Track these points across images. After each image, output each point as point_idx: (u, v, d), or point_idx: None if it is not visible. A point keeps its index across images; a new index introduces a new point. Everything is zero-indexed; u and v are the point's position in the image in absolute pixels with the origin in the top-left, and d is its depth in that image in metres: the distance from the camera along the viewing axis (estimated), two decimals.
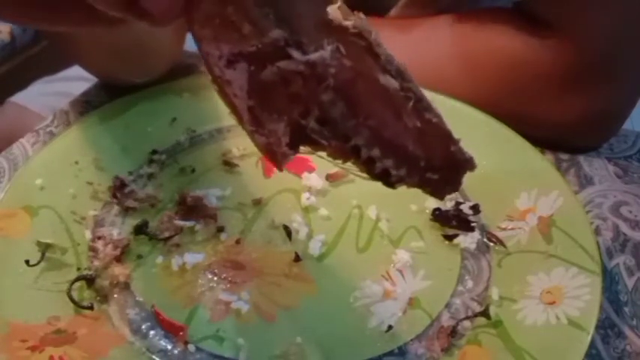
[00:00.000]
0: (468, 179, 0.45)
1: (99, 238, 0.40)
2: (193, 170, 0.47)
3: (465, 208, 0.43)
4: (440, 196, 0.24)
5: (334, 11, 0.20)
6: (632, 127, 0.55)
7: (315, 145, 0.23)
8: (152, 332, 0.36)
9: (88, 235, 0.41)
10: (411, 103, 0.21)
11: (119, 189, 0.43)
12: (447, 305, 0.38)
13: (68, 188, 0.43)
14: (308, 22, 0.20)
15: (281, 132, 0.22)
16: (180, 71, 0.58)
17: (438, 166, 0.23)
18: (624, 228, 0.45)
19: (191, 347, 0.35)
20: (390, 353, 0.35)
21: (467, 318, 0.36)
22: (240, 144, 0.49)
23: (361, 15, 0.21)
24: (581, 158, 0.51)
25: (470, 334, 0.36)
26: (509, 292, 0.38)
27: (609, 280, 0.41)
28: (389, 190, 0.45)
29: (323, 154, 0.25)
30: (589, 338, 0.33)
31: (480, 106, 0.49)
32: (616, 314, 0.39)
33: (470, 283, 0.39)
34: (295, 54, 0.21)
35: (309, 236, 0.42)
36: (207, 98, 0.52)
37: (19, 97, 0.72)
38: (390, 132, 0.22)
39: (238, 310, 0.37)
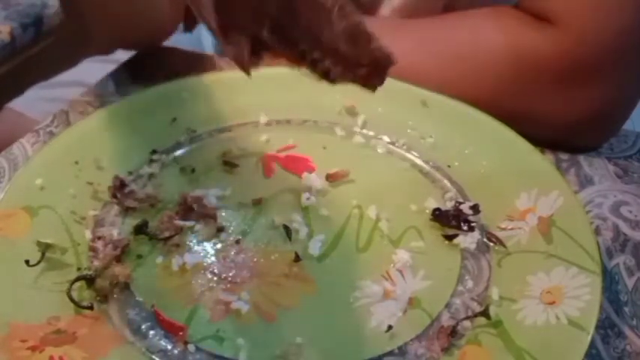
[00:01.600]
0: (468, 179, 0.46)
1: (99, 238, 0.40)
2: (193, 170, 0.47)
3: (465, 208, 0.43)
4: (371, 89, 0.28)
5: None
6: (632, 127, 0.55)
7: (270, 52, 0.28)
8: (152, 332, 0.36)
9: (88, 235, 0.41)
10: (336, 8, 0.25)
11: (119, 189, 0.43)
12: (447, 305, 0.38)
13: (68, 188, 0.43)
14: None
15: (244, 42, 0.26)
16: (180, 71, 0.58)
17: (365, 62, 0.26)
18: (624, 228, 0.45)
19: (191, 347, 0.35)
20: (390, 353, 0.35)
21: (467, 318, 0.36)
22: (240, 144, 0.49)
23: None
24: (581, 158, 0.51)
25: (470, 334, 0.36)
26: (509, 292, 0.38)
27: (609, 280, 0.41)
28: (389, 191, 0.45)
29: None
30: (589, 338, 0.33)
31: (482, 107, 0.49)
32: (616, 314, 0.39)
33: (470, 283, 0.39)
34: None
35: (309, 236, 0.42)
36: (207, 98, 0.52)
37: (17, 104, 0.72)
38: (325, 37, 0.26)
39: (238, 310, 0.37)
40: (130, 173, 0.45)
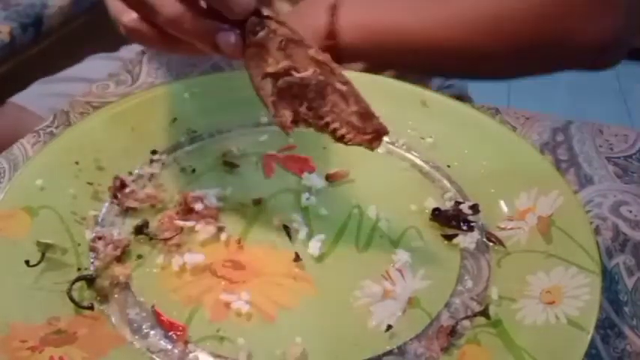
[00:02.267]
0: (467, 179, 0.46)
1: (99, 238, 0.40)
2: (194, 170, 0.47)
3: (465, 208, 0.43)
4: (371, 149, 0.38)
5: (313, 52, 0.37)
6: (632, 127, 0.55)
7: (305, 122, 0.38)
8: (152, 332, 0.36)
9: (89, 235, 0.41)
10: (352, 97, 0.37)
11: (119, 189, 0.43)
12: (447, 305, 0.38)
13: (68, 188, 0.43)
14: (301, 57, 0.37)
15: (288, 115, 0.38)
16: (180, 72, 0.58)
17: (369, 131, 0.38)
18: (624, 228, 0.45)
19: (191, 347, 0.35)
20: (390, 353, 0.35)
21: (466, 317, 0.37)
22: (241, 144, 0.49)
23: (327, 55, 0.37)
24: (580, 158, 0.51)
25: (469, 334, 0.36)
26: (508, 292, 0.38)
27: (609, 280, 0.41)
28: (389, 191, 0.45)
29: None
30: (589, 338, 0.33)
31: (526, 27, 0.53)
32: (616, 314, 0.39)
33: (469, 283, 0.39)
34: (295, 74, 0.37)
35: (309, 236, 0.42)
36: (207, 99, 0.52)
37: (19, 98, 0.71)
38: (344, 113, 0.37)
39: (238, 310, 0.37)
40: (131, 173, 0.46)
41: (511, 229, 0.42)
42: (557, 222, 0.40)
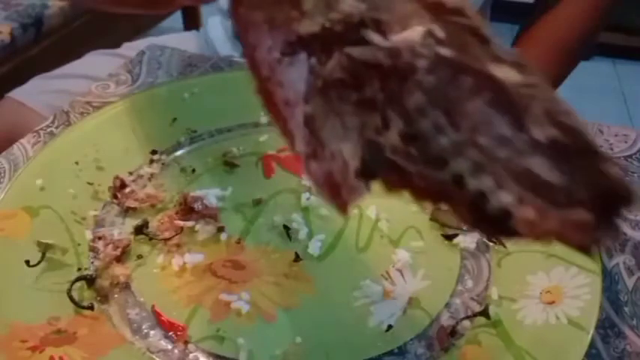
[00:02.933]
0: None
1: (99, 238, 0.40)
2: (194, 170, 0.47)
3: None
4: (589, 251, 0.17)
5: None
6: (632, 127, 0.55)
7: (396, 175, 0.16)
8: (152, 332, 0.36)
9: (89, 235, 0.41)
10: (538, 105, 0.15)
11: (119, 189, 0.43)
12: (447, 305, 0.38)
13: (68, 188, 0.43)
14: None
15: (348, 154, 0.16)
16: (181, 72, 0.58)
17: (583, 198, 0.16)
18: (624, 228, 0.45)
19: (191, 347, 0.35)
20: (390, 353, 0.35)
21: (466, 318, 0.37)
22: (240, 144, 0.49)
23: None
24: None
25: (470, 334, 0.36)
26: (508, 292, 0.38)
27: (609, 280, 0.41)
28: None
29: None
30: (589, 338, 0.33)
31: None
32: (616, 314, 0.39)
33: (469, 283, 0.39)
34: (373, 37, 0.14)
35: (309, 236, 0.42)
36: (207, 99, 0.52)
37: (18, 94, 0.71)
38: (508, 149, 0.15)
39: (238, 310, 0.37)
40: (131, 173, 0.46)
41: None
42: None
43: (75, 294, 0.37)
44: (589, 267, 0.37)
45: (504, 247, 0.41)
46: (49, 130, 0.52)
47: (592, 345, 0.36)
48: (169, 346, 0.35)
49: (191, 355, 0.35)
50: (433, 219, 0.43)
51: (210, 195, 0.44)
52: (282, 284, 0.39)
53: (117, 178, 0.44)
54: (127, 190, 0.43)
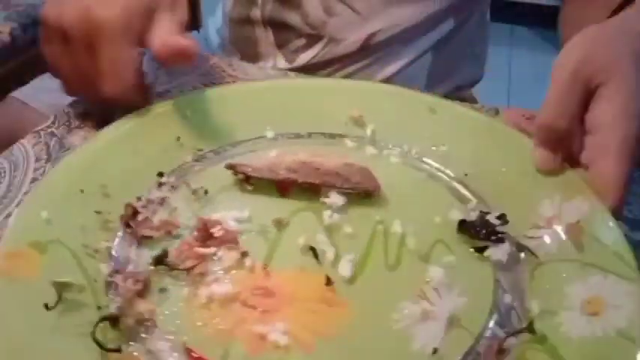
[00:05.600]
0: (487, 187, 0.45)
1: (117, 272, 0.38)
2: (206, 192, 0.44)
3: (492, 218, 0.42)
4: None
5: None
6: None
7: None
8: None
9: (104, 269, 0.38)
10: (358, 175, 0.47)
11: (132, 217, 0.40)
12: (488, 322, 0.37)
13: (76, 219, 0.40)
14: None
15: None
16: (181, 72, 0.56)
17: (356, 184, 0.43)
18: (624, 228, 0.45)
19: None
20: None
21: (512, 334, 0.36)
22: (250, 161, 0.47)
23: None
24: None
25: (516, 351, 0.35)
26: (548, 305, 0.37)
27: None
28: (409, 203, 0.44)
29: None
30: None
31: None
32: None
33: (507, 297, 0.38)
34: None
35: (337, 256, 0.40)
36: (210, 115, 0.49)
37: (20, 93, 0.70)
38: (352, 178, 0.47)
39: (276, 342, 0.35)
40: (139, 199, 0.43)
41: (540, 237, 0.41)
42: (586, 228, 0.40)
43: (98, 336, 0.34)
44: (627, 274, 0.36)
45: (536, 256, 0.40)
46: (49, 130, 0.50)
47: None
48: None
49: None
50: (460, 232, 0.42)
51: (229, 218, 0.42)
52: (316, 311, 0.37)
53: (129, 205, 0.41)
54: (140, 217, 0.41)
